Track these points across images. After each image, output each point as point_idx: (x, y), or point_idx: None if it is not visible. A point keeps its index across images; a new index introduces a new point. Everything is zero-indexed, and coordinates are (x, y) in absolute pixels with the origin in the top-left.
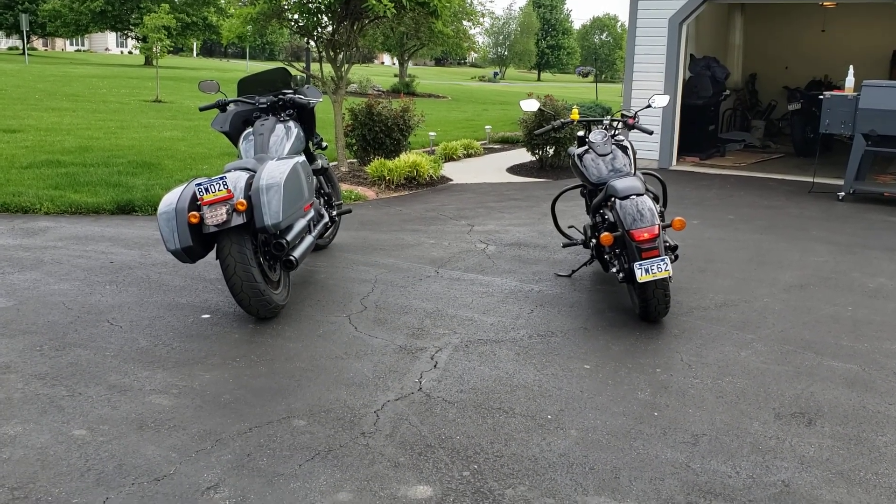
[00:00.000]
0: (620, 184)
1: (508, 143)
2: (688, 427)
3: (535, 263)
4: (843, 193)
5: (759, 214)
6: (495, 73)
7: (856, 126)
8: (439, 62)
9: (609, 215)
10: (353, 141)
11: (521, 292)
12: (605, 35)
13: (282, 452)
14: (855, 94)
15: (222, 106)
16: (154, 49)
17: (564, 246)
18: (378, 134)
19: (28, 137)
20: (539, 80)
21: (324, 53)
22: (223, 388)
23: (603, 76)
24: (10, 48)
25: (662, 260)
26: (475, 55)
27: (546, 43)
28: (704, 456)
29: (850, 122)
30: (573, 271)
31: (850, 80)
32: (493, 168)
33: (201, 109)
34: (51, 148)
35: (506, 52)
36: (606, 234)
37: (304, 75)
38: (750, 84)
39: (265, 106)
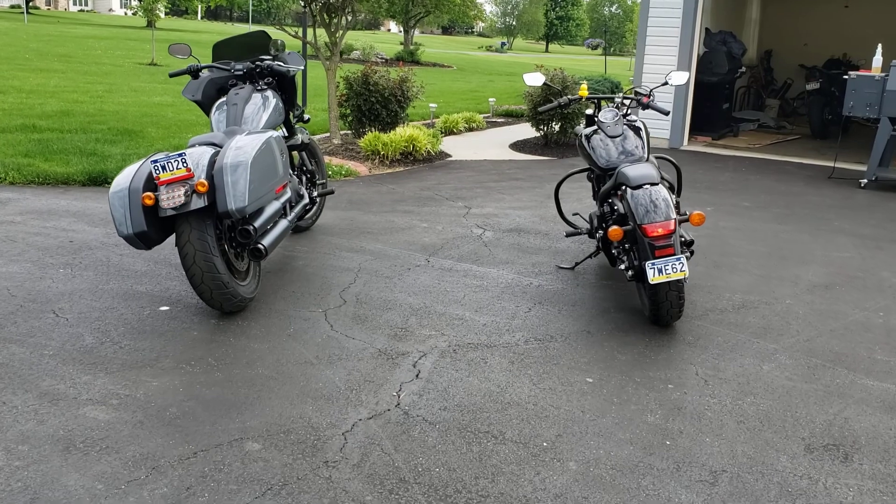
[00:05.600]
0: (632, 171)
1: (513, 116)
2: (705, 461)
3: (535, 253)
4: (865, 180)
5: (776, 201)
6: (503, 44)
7: (882, 109)
8: (446, 31)
9: (619, 206)
10: (348, 111)
11: (519, 287)
12: (614, 7)
13: (228, 486)
14: (883, 74)
15: (194, 72)
16: (156, 8)
17: (568, 235)
18: (374, 105)
19: (7, 99)
20: (547, 51)
21: (319, 18)
22: (170, 400)
23: (612, 49)
24: (11, 6)
25: (678, 259)
26: (482, 24)
27: (555, 14)
28: (725, 500)
29: (877, 105)
30: (576, 264)
31: (877, 60)
32: (495, 144)
33: (171, 76)
34: (29, 111)
35: (514, 22)
36: (615, 227)
37: (282, 40)
38: (765, 61)
39: (241, 73)
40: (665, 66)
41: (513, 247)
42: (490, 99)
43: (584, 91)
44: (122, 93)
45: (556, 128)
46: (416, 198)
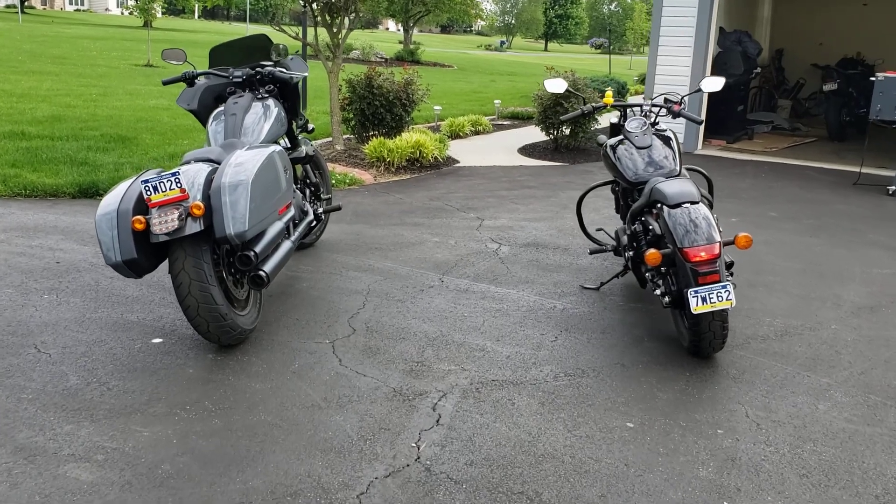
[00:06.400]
0: (670, 188)
1: (519, 119)
2: None
3: (556, 271)
4: (894, 187)
5: (803, 211)
6: (502, 42)
7: None
8: (445, 29)
9: (654, 226)
10: (351, 116)
11: (542, 310)
12: (614, 5)
13: None
14: None
15: (190, 79)
16: (152, 8)
17: (592, 253)
18: (378, 109)
19: None
20: (546, 50)
21: (320, 18)
22: (163, 454)
23: (612, 48)
24: (7, 6)
25: (724, 287)
26: (482, 23)
27: (554, 12)
28: None
29: None
30: (602, 284)
31: None
32: (504, 148)
33: (164, 83)
34: (19, 117)
35: (513, 21)
36: (653, 251)
37: (285, 45)
38: (776, 60)
39: (240, 80)
40: (679, 66)
41: (531, 264)
42: (495, 101)
43: (609, 98)
44: (116, 96)
45: (567, 132)
46: (426, 208)
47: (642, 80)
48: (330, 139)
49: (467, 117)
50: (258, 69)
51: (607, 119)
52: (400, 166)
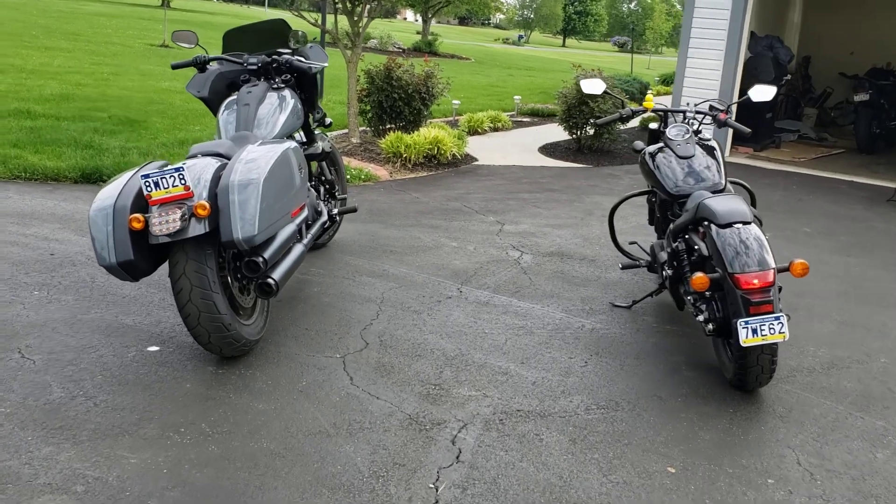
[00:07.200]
0: (720, 205)
1: (539, 116)
2: None
3: (583, 285)
4: None
5: (838, 228)
6: (520, 36)
7: None
8: (462, 21)
9: (700, 245)
10: (368, 108)
11: (569, 330)
12: (633, 4)
13: None
14: None
15: (201, 64)
16: None
17: (624, 268)
18: (396, 101)
19: (5, 80)
20: (564, 45)
21: (340, 5)
22: (150, 486)
23: (624, 47)
24: None
25: (777, 318)
26: (501, 16)
27: (574, 8)
28: None
29: None
30: (634, 302)
31: None
32: (524, 147)
33: (174, 67)
34: (27, 94)
35: (532, 15)
36: (700, 275)
37: (304, 32)
38: (803, 68)
39: (255, 68)
40: (709, 69)
41: (556, 275)
42: (515, 97)
43: (649, 102)
44: (128, 76)
45: (591, 132)
46: (443, 209)
47: (664, 81)
48: (345, 131)
49: (486, 113)
50: (275, 57)
51: (633, 120)
52: (417, 163)
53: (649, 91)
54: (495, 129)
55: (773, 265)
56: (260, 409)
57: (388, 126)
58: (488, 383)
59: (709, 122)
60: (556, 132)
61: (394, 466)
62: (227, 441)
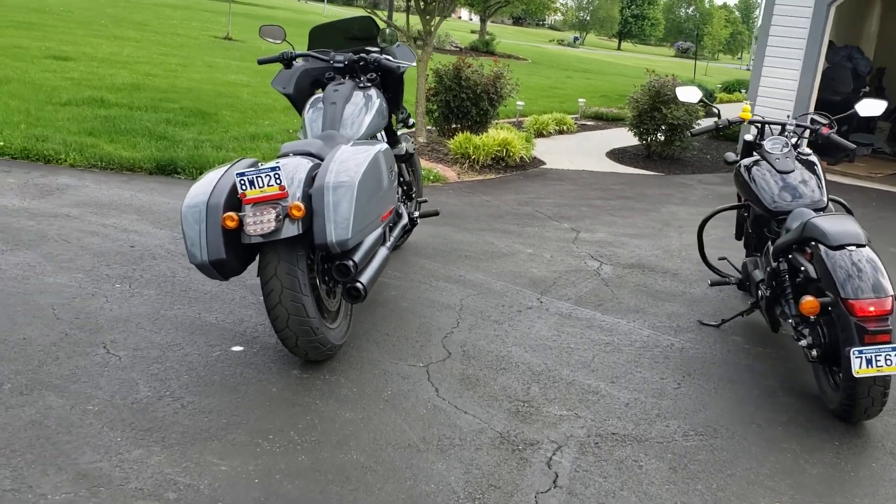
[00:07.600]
0: (830, 225)
1: (602, 119)
2: None
3: (667, 300)
4: None
5: None
6: (575, 38)
7: None
8: (517, 21)
9: (806, 267)
10: (435, 107)
11: (658, 348)
12: (691, 9)
13: None
14: None
15: (287, 60)
16: None
17: (713, 284)
18: (464, 101)
19: (78, 68)
20: (619, 48)
21: (412, 2)
22: (244, 497)
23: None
24: None
25: (894, 349)
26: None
27: (630, 11)
28: None
29: None
30: (723, 321)
31: None
32: (590, 151)
33: (260, 63)
34: (99, 82)
35: (588, 17)
36: (811, 299)
37: (392, 29)
38: (877, 80)
39: (342, 66)
40: (786, 80)
41: (639, 289)
42: (580, 99)
43: (746, 113)
44: (195, 68)
45: (662, 139)
46: (515, 214)
47: (726, 88)
48: (413, 130)
49: (551, 115)
50: (362, 55)
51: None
52: (484, 164)
53: (745, 102)
54: (560, 132)
55: (892, 292)
56: (347, 419)
57: (454, 126)
58: (579, 402)
59: (810, 135)
60: (623, 137)
61: (489, 489)
62: (316, 451)
